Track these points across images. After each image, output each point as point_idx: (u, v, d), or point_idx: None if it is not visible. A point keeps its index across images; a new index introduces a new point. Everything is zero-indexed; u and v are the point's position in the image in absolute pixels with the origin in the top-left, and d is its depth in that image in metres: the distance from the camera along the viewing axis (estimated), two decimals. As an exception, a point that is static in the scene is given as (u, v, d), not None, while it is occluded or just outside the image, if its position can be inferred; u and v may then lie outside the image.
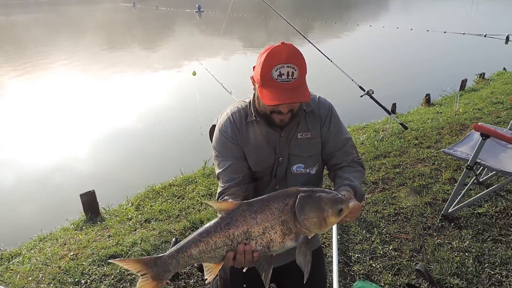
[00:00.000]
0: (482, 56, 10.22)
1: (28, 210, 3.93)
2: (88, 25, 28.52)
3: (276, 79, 1.26)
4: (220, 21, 24.40)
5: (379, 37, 15.18)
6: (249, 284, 1.54)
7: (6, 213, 3.92)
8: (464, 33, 13.11)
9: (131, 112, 7.07)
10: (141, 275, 1.04)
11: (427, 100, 5.51)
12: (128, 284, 2.03)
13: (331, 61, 4.08)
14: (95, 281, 2.07)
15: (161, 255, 1.06)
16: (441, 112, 4.59)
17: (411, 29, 15.11)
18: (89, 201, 3.08)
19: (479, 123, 2.09)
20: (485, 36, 12.91)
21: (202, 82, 5.28)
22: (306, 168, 1.46)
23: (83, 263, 2.22)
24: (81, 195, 3.07)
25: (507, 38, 11.83)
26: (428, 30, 14.22)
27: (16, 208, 4.03)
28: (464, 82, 6.14)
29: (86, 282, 2.06)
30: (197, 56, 9.29)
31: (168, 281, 1.42)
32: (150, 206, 2.96)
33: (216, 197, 1.44)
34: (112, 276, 2.09)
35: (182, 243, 1.07)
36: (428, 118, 4.36)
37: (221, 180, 1.45)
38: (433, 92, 5.91)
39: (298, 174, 1.47)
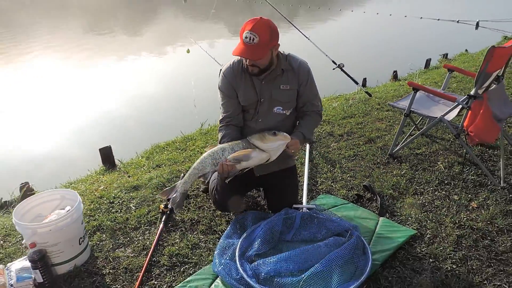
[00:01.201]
0: (452, 40, 10.99)
1: (53, 164, 4.64)
2: (70, 9, 28.30)
3: (244, 40, 1.99)
4: (204, 5, 24.68)
5: (359, 22, 15.88)
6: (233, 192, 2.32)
7: (39, 162, 4.69)
8: (438, 19, 13.93)
9: (135, 86, 7.74)
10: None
11: (395, 76, 6.24)
12: (151, 203, 2.69)
13: (308, 39, 4.74)
14: (125, 201, 2.72)
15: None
16: (403, 85, 5.32)
17: (390, 15, 15.85)
18: (107, 154, 3.71)
19: (411, 81, 2.81)
20: (457, 22, 13.77)
21: (195, 60, 5.93)
22: (283, 110, 2.20)
23: (113, 191, 2.87)
24: (100, 149, 3.70)
25: (477, 24, 12.68)
26: (405, 16, 14.98)
27: (45, 160, 4.77)
28: (428, 61, 6.90)
29: (118, 202, 2.72)
30: (187, 37, 9.91)
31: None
32: (158, 156, 3.61)
33: (219, 121, 2.23)
34: (138, 198, 2.75)
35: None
36: (391, 89, 5.10)
37: (221, 110, 2.22)
38: (401, 70, 6.65)
39: (277, 113, 2.20)
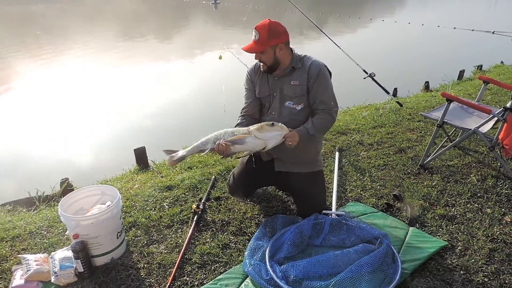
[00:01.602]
0: (487, 51, 10.71)
1: (89, 161, 4.89)
2: (106, 15, 29.37)
3: (252, 37, 2.26)
4: (235, 12, 25.08)
5: (390, 31, 15.69)
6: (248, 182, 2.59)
7: (77, 160, 4.96)
8: (473, 30, 13.57)
9: (167, 90, 8.00)
10: None
11: (426, 87, 6.16)
12: (183, 202, 2.79)
13: (339, 47, 4.76)
14: (159, 200, 2.83)
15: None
16: (435, 96, 5.25)
17: (422, 24, 15.59)
18: (141, 154, 3.85)
19: (445, 92, 2.79)
20: (493, 33, 13.38)
21: (226, 66, 6.08)
22: (294, 104, 2.38)
23: (148, 190, 2.99)
24: (135, 150, 3.85)
25: (514, 35, 12.27)
26: (438, 26, 14.70)
27: (83, 158, 5.03)
28: (462, 73, 6.76)
29: (152, 201, 2.83)
30: (219, 44, 10.11)
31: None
32: (190, 159, 3.71)
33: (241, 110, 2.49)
34: (171, 198, 2.85)
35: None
36: (423, 100, 5.04)
37: (244, 101, 2.48)
38: (433, 80, 6.55)
39: (289, 107, 2.39)
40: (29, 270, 2.01)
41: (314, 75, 2.27)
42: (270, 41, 2.21)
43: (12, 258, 2.26)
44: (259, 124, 2.14)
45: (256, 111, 2.46)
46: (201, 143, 2.29)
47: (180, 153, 2.38)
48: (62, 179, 3.42)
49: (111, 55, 12.59)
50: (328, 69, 2.36)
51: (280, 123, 2.12)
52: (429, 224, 2.42)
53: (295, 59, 2.32)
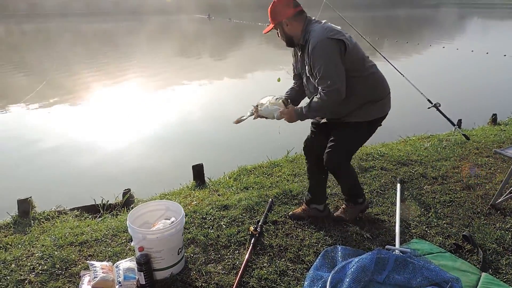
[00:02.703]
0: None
1: (148, 174, 5.12)
2: (168, 34, 31.04)
3: None
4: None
5: (452, 58, 15.09)
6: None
7: (138, 172, 5.23)
8: (543, 59, 12.71)
9: (222, 109, 8.24)
10: None
11: (494, 120, 5.80)
12: (240, 223, 2.80)
13: (403, 75, 4.64)
14: (216, 219, 2.87)
15: None
16: (504, 130, 4.93)
17: (487, 53, 14.86)
18: (199, 171, 3.95)
19: (526, 129, 2.61)
20: None
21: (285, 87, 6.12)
22: (313, 80, 2.37)
23: (205, 208, 3.05)
24: (193, 166, 3.96)
25: None
26: (505, 55, 13.94)
27: (143, 171, 5.28)
28: (534, 106, 6.30)
29: (210, 219, 2.87)
30: (279, 65, 10.32)
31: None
32: (246, 179, 3.75)
33: None
34: (228, 217, 2.87)
35: None
36: (491, 134, 4.74)
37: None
38: (501, 113, 6.16)
39: (312, 83, 2.41)
40: (96, 277, 2.10)
41: (310, 53, 2.28)
42: (275, 19, 2.38)
43: (80, 263, 2.38)
44: (273, 98, 2.49)
45: (299, 83, 2.65)
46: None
47: (246, 116, 2.76)
48: (125, 189, 3.59)
49: (173, 72, 13.23)
50: (332, 40, 2.23)
51: (281, 100, 2.45)
52: (504, 271, 2.23)
53: (303, 34, 2.34)
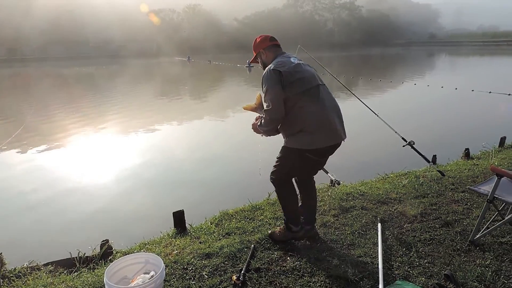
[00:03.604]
0: (526, 116, 10.46)
1: (127, 221, 4.96)
2: (146, 77, 31.41)
3: None
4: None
5: (424, 95, 15.75)
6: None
7: (115, 218, 5.08)
8: (510, 94, 13.44)
9: (200, 151, 8.22)
10: None
11: (466, 154, 5.99)
12: (222, 272, 2.74)
13: (377, 115, 4.81)
14: (198, 269, 2.79)
15: None
16: (477, 164, 5.09)
17: (456, 88, 15.60)
18: (179, 218, 3.88)
19: (495, 166, 2.71)
20: (530, 96, 13.19)
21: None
22: None
23: (186, 257, 2.97)
24: (174, 213, 3.89)
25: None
26: (473, 90, 14.66)
27: (120, 220, 5.10)
28: (503, 139, 6.57)
29: (191, 269, 2.80)
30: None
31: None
32: (227, 224, 3.70)
33: None
34: (210, 266, 2.81)
35: None
36: (465, 169, 4.89)
37: None
38: (473, 147, 6.38)
39: None
40: None
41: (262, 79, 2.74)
42: (256, 49, 2.93)
43: (53, 325, 2.25)
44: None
45: None
46: None
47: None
48: (103, 240, 3.47)
49: (153, 114, 13.27)
50: (274, 71, 2.63)
51: (263, 108, 2.73)
52: (487, 311, 2.24)
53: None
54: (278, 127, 2.80)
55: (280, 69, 2.61)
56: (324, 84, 2.80)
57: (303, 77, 2.66)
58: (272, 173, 2.90)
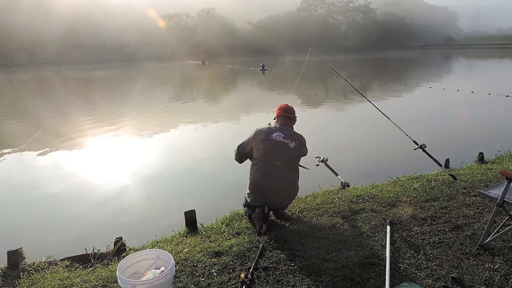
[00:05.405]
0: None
1: (140, 220, 5.08)
2: (163, 79, 31.83)
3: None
4: (281, 78, 26.25)
5: (438, 98, 15.55)
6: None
7: (129, 218, 5.17)
8: (527, 98, 13.16)
9: (210, 152, 8.32)
10: None
11: (481, 158, 5.92)
12: (231, 270, 2.80)
13: (389, 118, 4.81)
14: (207, 266, 2.86)
15: None
16: (491, 169, 5.04)
17: (472, 92, 15.35)
18: (191, 217, 3.96)
19: (505, 170, 2.71)
20: (549, 100, 12.90)
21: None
22: None
23: (197, 255, 3.04)
24: (185, 212, 3.98)
25: None
26: (490, 94, 14.41)
27: (134, 219, 5.22)
28: (519, 144, 6.47)
29: (201, 266, 2.87)
30: (271, 109, 10.57)
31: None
32: (238, 224, 3.76)
33: None
34: (219, 264, 2.87)
35: None
36: (478, 173, 4.84)
37: None
38: (487, 151, 6.30)
39: None
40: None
41: None
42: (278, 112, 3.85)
43: (68, 317, 2.35)
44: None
45: None
46: None
47: None
48: (117, 238, 3.58)
49: (167, 116, 13.46)
50: (253, 133, 3.70)
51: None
52: (494, 314, 2.24)
53: None
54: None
55: (254, 135, 3.67)
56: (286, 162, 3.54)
57: (263, 148, 3.56)
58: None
